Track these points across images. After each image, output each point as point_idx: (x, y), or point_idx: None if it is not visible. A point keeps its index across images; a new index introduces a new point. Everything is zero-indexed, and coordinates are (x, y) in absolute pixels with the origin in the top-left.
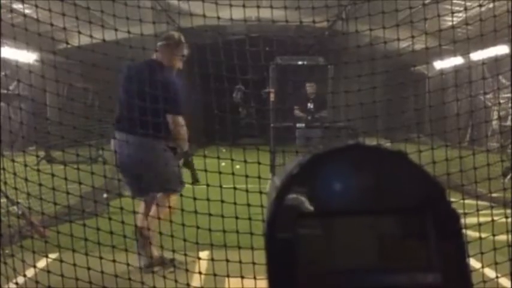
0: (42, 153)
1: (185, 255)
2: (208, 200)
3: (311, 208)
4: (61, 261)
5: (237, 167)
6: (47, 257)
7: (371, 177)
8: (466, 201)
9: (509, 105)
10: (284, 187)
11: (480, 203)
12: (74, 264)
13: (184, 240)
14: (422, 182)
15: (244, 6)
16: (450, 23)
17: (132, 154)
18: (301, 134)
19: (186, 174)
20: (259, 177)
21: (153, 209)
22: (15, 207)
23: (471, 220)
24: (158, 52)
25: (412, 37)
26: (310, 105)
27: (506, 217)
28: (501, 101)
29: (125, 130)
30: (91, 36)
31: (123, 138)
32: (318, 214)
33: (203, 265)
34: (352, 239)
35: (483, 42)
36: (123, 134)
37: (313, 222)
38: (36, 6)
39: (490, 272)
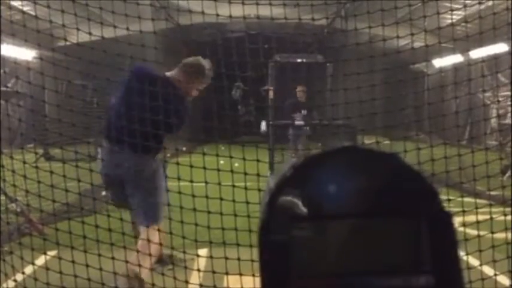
0: (40, 151)
1: (184, 252)
2: (207, 197)
3: (305, 211)
4: (60, 258)
5: (236, 164)
6: (45, 254)
7: (364, 180)
8: (465, 199)
9: (508, 103)
10: (278, 189)
11: (479, 201)
12: (73, 262)
13: (183, 237)
14: (416, 184)
15: (243, 3)
16: (450, 21)
17: (127, 170)
18: (294, 133)
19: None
20: (258, 175)
21: (140, 242)
22: (13, 205)
23: (470, 218)
24: (177, 72)
25: (412, 35)
26: (303, 111)
27: (505, 215)
28: (500, 99)
29: (122, 143)
30: (90, 34)
31: (117, 151)
32: (312, 217)
33: (202, 263)
34: (345, 241)
35: (482, 40)
36: (119, 147)
37: (307, 224)
38: (35, 3)
39: (488, 270)
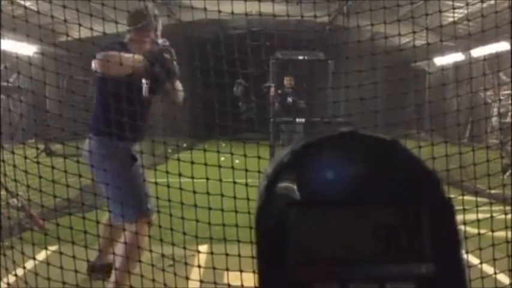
0: (42, 146)
1: (184, 248)
2: (207, 193)
3: (302, 197)
4: (60, 253)
5: (237, 161)
6: (46, 249)
7: (364, 166)
8: (465, 198)
9: (509, 101)
10: (275, 175)
11: (479, 199)
12: (74, 257)
13: (184, 233)
14: (417, 171)
15: (245, 0)
16: (451, 19)
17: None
18: (286, 129)
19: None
20: (258, 172)
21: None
22: (14, 200)
23: (470, 216)
24: (129, 35)
25: (413, 33)
26: (289, 99)
27: (506, 213)
28: (501, 98)
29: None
30: (91, 29)
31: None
32: (310, 203)
33: (202, 259)
34: (344, 228)
35: (484, 38)
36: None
37: (305, 211)
38: None
39: (488, 268)
